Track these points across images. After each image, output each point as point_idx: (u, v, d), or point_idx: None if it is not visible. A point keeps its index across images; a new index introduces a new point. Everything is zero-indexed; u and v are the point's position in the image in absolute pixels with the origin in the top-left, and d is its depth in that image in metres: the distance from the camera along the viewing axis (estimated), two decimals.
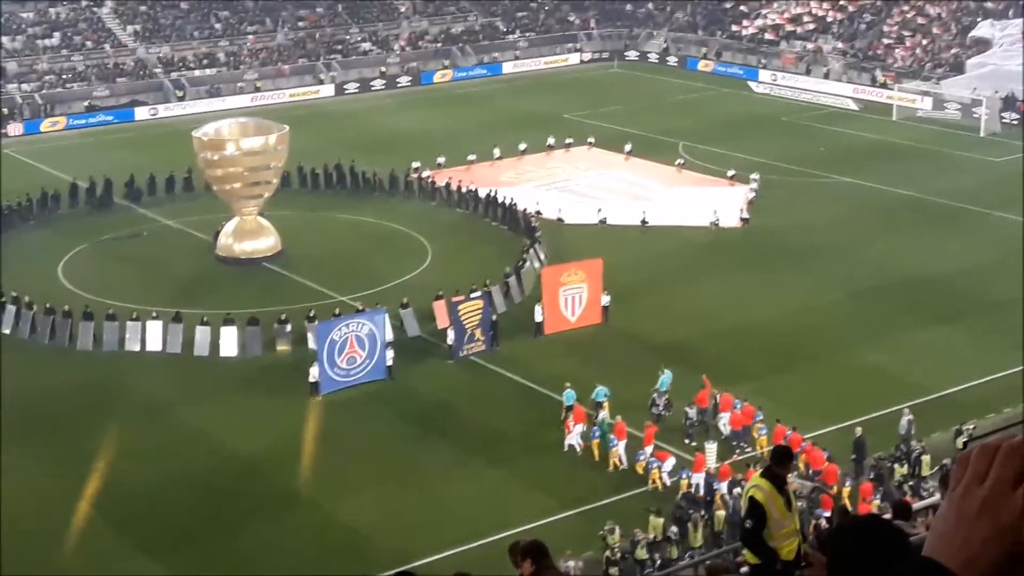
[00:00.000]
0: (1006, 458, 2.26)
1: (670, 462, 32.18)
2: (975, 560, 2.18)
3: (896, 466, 31.67)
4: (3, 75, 77.88)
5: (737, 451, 33.72)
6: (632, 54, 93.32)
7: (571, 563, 26.56)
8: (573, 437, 33.98)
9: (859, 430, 32.72)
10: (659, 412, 34.76)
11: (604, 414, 34.48)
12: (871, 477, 31.43)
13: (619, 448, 33.16)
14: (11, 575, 27.86)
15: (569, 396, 35.26)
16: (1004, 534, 2.19)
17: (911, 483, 30.97)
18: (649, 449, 32.75)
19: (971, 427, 32.07)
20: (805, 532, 11.66)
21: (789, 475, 11.79)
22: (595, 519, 29.99)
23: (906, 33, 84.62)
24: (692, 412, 34.47)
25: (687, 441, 33.77)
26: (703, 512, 29.83)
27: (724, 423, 34.60)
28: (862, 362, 38.79)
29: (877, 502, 29.38)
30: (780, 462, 10.60)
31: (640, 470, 32.46)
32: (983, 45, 78.56)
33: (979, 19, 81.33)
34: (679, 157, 63.03)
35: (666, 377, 36.01)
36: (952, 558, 2.19)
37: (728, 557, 16.06)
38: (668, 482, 31.81)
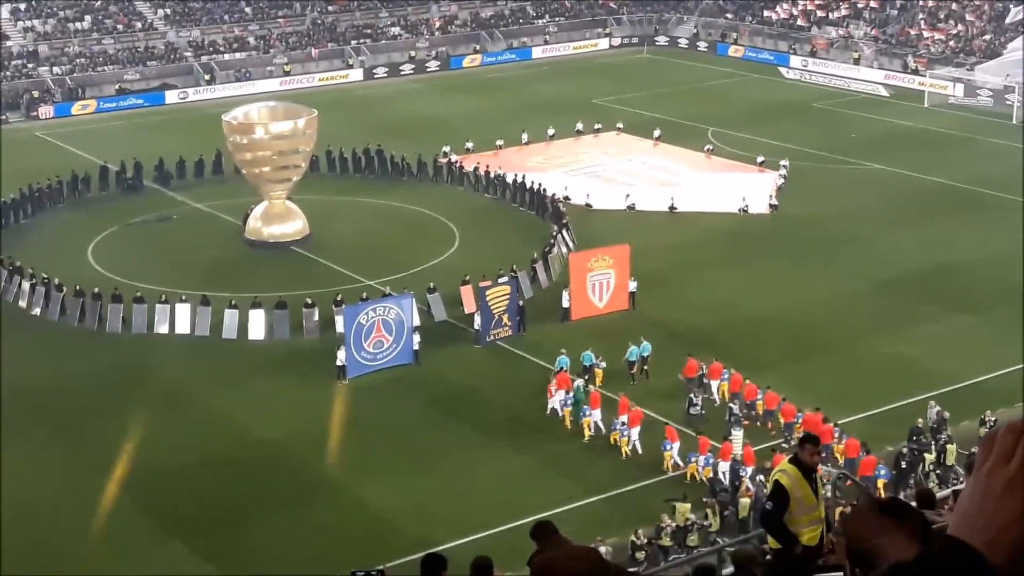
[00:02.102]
0: None
1: (636, 430, 32.62)
2: (999, 539, 2.16)
3: (927, 455, 31.51)
4: (35, 58, 78.34)
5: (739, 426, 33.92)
6: (662, 39, 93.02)
7: (603, 548, 26.58)
8: (554, 402, 34.68)
9: (921, 421, 32.59)
10: (699, 412, 34.22)
11: (580, 382, 34.97)
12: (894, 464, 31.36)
13: (592, 417, 33.59)
14: (35, 555, 28.12)
15: (562, 361, 36.08)
16: None
17: (938, 472, 30.85)
18: (623, 418, 33.04)
19: (993, 419, 31.97)
20: (831, 520, 11.61)
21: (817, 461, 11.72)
22: (620, 505, 30.01)
23: (938, 19, 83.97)
24: (736, 407, 34.10)
25: (726, 436, 32.45)
26: (719, 498, 29.85)
27: (714, 392, 35.20)
28: (887, 350, 38.56)
29: (883, 480, 29.82)
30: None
31: (613, 440, 32.99)
32: (1020, 29, 77.69)
33: (1012, 4, 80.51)
34: (708, 143, 62.80)
35: (636, 348, 36.81)
36: (976, 537, 2.17)
37: (755, 543, 16.01)
38: (641, 450, 32.43)
